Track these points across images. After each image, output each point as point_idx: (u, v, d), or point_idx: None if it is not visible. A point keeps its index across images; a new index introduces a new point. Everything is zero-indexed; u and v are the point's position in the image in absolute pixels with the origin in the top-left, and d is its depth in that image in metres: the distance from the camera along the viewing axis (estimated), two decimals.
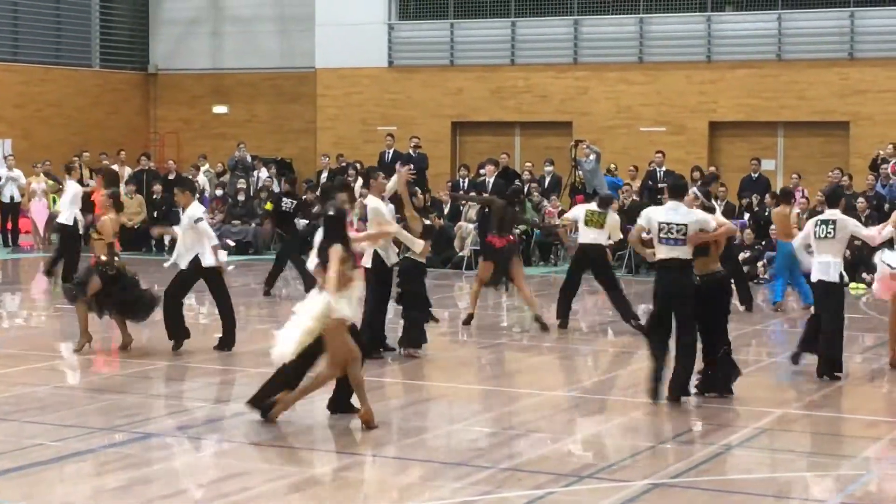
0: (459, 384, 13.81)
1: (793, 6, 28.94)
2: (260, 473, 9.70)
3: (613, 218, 17.64)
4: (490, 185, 24.28)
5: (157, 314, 14.85)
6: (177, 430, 11.18)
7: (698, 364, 12.73)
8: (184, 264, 14.65)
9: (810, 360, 14.06)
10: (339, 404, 11.46)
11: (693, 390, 12.53)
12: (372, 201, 14.39)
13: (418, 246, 14.47)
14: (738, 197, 25.99)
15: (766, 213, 23.86)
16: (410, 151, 28.05)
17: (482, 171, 27.18)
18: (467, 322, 17.38)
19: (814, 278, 13.79)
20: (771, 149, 29.31)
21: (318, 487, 9.48)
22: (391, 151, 28.42)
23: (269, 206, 23.66)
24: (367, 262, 13.68)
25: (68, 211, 20.65)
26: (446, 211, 26.64)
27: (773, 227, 21.78)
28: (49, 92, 33.39)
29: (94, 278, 14.59)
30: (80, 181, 23.28)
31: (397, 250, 14.83)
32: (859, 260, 21.67)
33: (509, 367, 15.08)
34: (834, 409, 12.82)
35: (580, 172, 26.90)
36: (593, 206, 17.55)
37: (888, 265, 14.31)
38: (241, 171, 30.62)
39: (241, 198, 28.83)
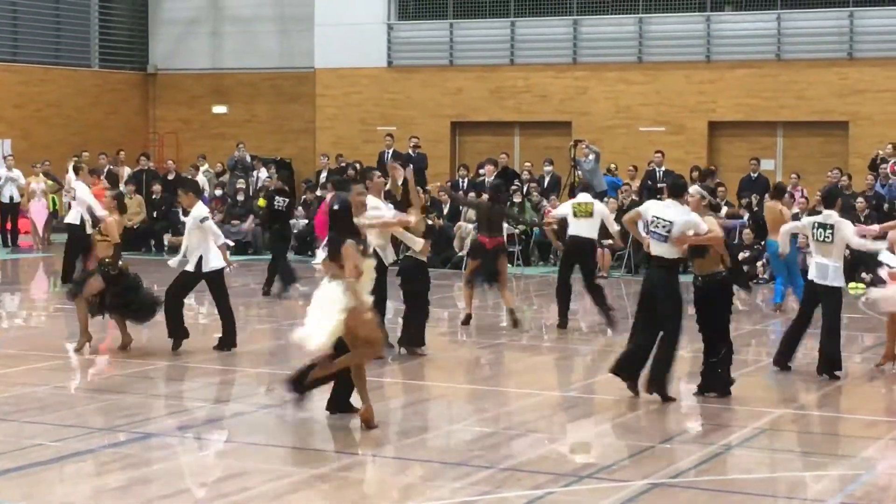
0: (459, 384, 13.81)
1: (792, 6, 28.94)
2: (260, 473, 9.69)
3: (600, 207, 17.73)
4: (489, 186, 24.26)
5: (158, 316, 14.85)
6: (177, 430, 11.17)
7: (698, 364, 12.74)
8: (190, 266, 14.66)
9: (810, 361, 14.07)
10: (339, 404, 11.45)
11: (693, 391, 12.56)
12: (371, 201, 14.35)
13: (418, 244, 14.46)
14: (738, 197, 25.98)
15: None
16: (410, 151, 28.06)
17: (481, 171, 27.20)
18: (466, 322, 17.38)
19: (809, 277, 13.81)
20: (770, 149, 29.31)
21: (318, 487, 9.48)
22: (390, 151, 28.39)
23: (261, 202, 23.63)
24: None
25: (75, 210, 20.58)
26: (446, 211, 26.63)
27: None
28: (48, 92, 33.38)
29: (96, 278, 14.60)
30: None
31: (394, 250, 14.83)
32: (859, 260, 21.65)
33: (509, 367, 15.08)
34: (833, 408, 12.84)
35: (579, 172, 26.88)
36: (578, 198, 17.62)
37: (888, 265, 14.36)
38: (241, 171, 30.60)
39: (240, 198, 28.83)
